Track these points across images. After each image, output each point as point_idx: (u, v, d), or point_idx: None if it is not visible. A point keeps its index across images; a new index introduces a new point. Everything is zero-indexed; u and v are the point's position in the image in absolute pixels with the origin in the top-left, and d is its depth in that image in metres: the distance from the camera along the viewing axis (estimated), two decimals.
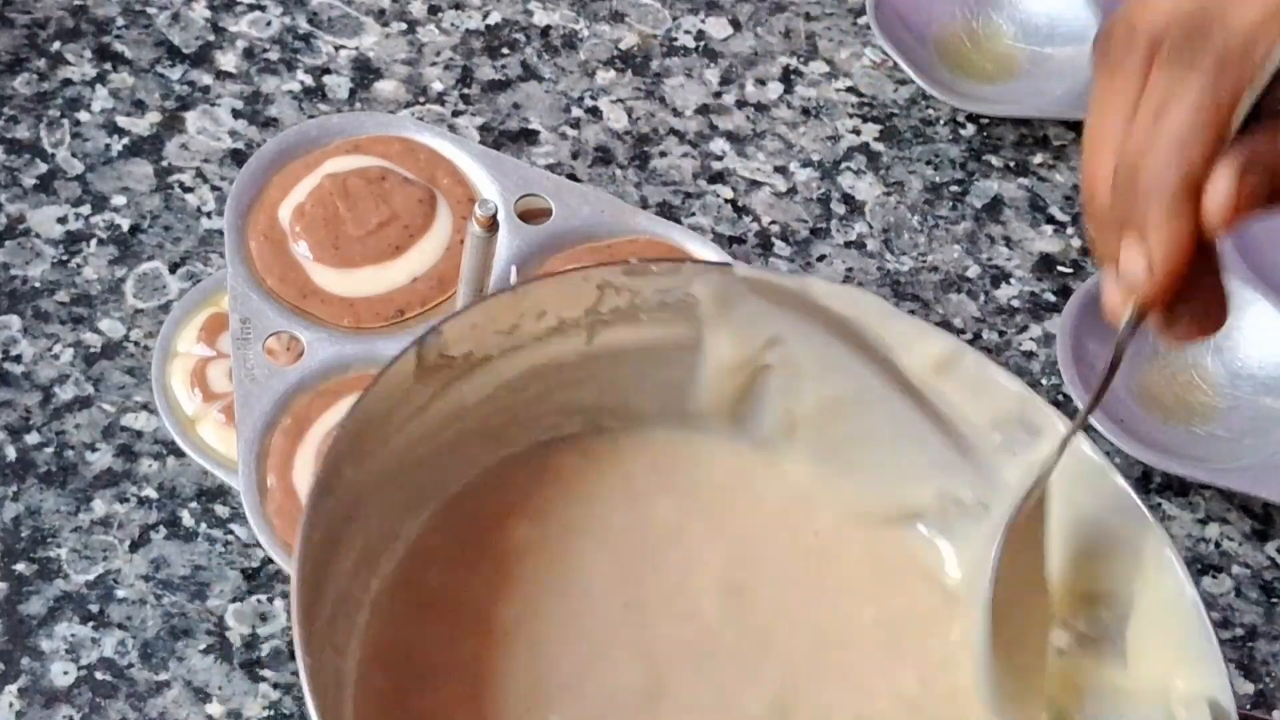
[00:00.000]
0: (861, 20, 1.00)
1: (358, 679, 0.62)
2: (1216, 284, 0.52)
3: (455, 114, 0.93)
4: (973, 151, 0.95)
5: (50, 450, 0.80)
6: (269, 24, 0.96)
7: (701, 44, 0.98)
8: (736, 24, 0.99)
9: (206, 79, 0.93)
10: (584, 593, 0.65)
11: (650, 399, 0.68)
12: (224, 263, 0.79)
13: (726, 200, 0.92)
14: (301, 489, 0.72)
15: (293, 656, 0.75)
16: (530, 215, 0.80)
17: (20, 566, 0.77)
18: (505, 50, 0.96)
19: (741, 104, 0.96)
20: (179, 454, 0.79)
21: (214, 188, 0.89)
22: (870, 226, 0.92)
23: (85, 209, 0.87)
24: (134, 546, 0.78)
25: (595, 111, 0.94)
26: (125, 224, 0.87)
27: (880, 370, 0.66)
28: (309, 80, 0.94)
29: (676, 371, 0.68)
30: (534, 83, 0.95)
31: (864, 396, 0.67)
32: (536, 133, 0.93)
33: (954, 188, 0.94)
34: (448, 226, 0.79)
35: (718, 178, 0.93)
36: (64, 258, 0.86)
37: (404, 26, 0.96)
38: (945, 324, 0.89)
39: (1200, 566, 0.83)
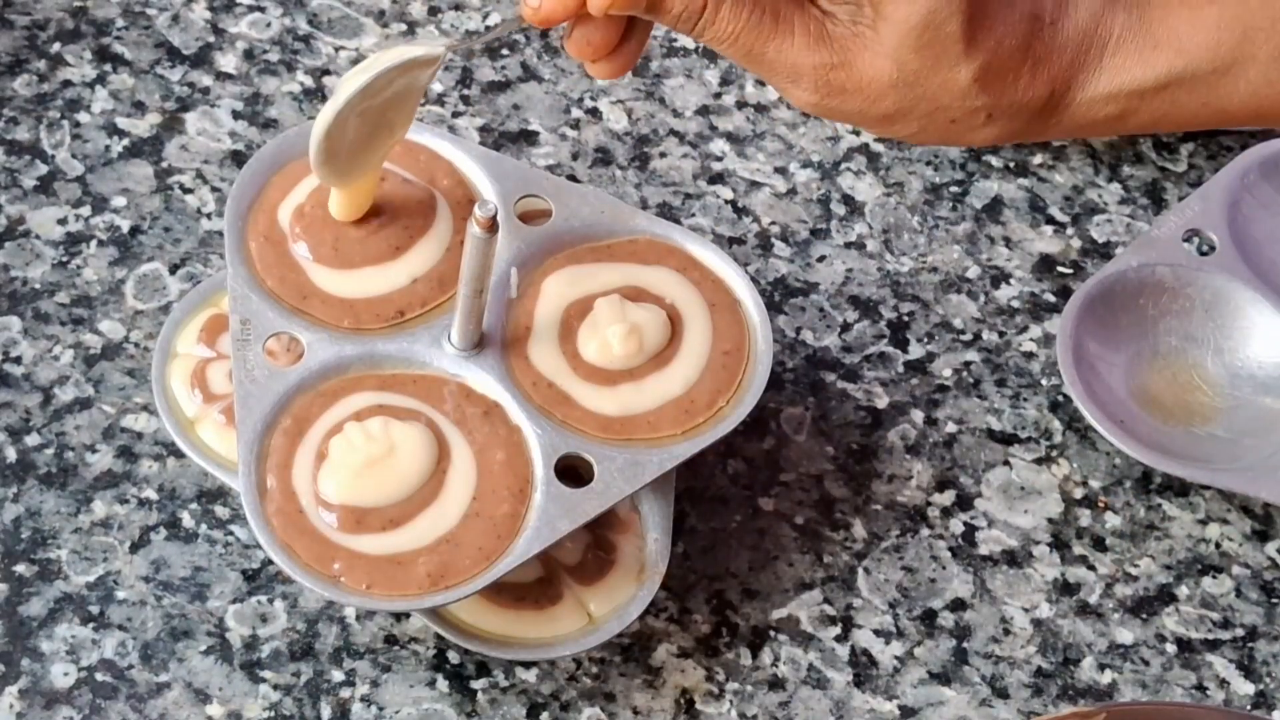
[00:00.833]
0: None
1: None
2: (633, 43, 0.67)
3: (455, 115, 0.93)
4: (972, 152, 0.95)
5: (50, 451, 0.80)
6: (269, 25, 0.96)
7: (701, 44, 0.98)
8: None
9: (206, 80, 0.93)
10: None
11: None
12: (224, 264, 0.79)
13: (726, 201, 0.92)
14: (301, 490, 0.72)
15: (293, 657, 0.76)
16: (530, 216, 0.80)
17: (20, 568, 0.77)
18: (505, 51, 0.96)
19: (741, 105, 0.96)
20: (179, 455, 0.79)
21: (214, 189, 0.89)
22: (870, 227, 0.92)
23: (85, 210, 0.87)
24: (134, 548, 0.78)
25: (595, 112, 0.94)
26: (125, 225, 0.87)
27: None
28: (309, 81, 0.94)
29: None
30: (534, 83, 0.95)
31: None
32: (536, 133, 0.93)
33: (954, 188, 0.94)
34: (448, 227, 0.79)
35: (718, 178, 0.93)
36: (64, 259, 0.86)
37: (404, 28, 0.96)
38: (945, 324, 0.89)
39: (1200, 567, 0.83)
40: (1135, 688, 0.79)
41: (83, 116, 0.91)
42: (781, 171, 0.93)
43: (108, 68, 0.93)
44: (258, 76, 0.93)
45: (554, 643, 0.75)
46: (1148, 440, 0.83)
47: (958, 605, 0.81)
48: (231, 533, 0.79)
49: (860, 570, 0.81)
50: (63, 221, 0.87)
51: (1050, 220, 0.93)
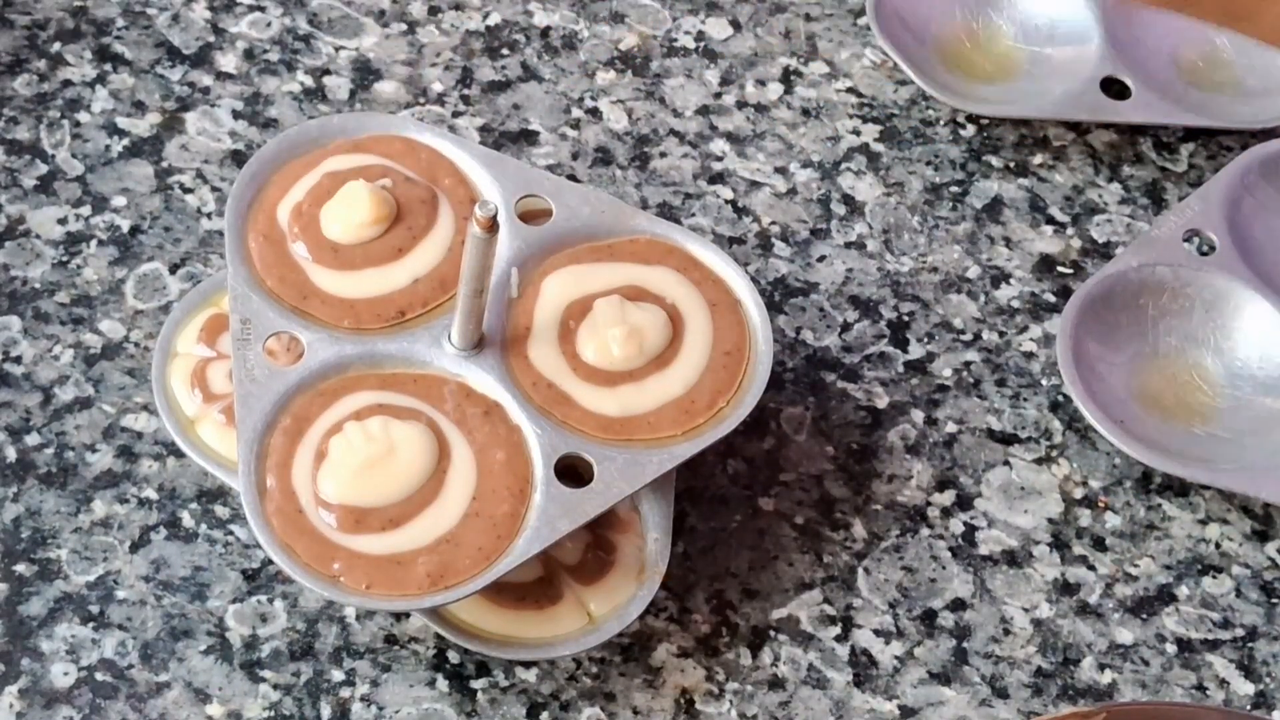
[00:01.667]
0: (861, 21, 1.00)
1: None
2: None
3: (455, 115, 0.93)
4: (973, 152, 0.95)
5: (50, 451, 0.80)
6: (269, 25, 0.96)
7: (701, 44, 0.98)
8: (736, 25, 0.99)
9: (206, 80, 0.93)
10: None
11: None
12: (224, 263, 0.79)
13: (726, 201, 0.92)
14: (301, 489, 0.72)
15: (293, 657, 0.76)
16: (530, 216, 0.80)
17: (20, 567, 0.77)
18: (505, 51, 0.96)
19: (741, 104, 0.96)
20: (179, 455, 0.79)
21: (214, 188, 0.89)
22: (870, 227, 0.92)
23: (85, 210, 0.87)
24: (134, 547, 0.78)
25: (595, 112, 0.94)
26: (125, 225, 0.87)
27: None
28: (309, 81, 0.94)
29: None
30: (534, 83, 0.95)
31: None
32: (536, 133, 0.93)
33: (954, 188, 0.94)
34: (449, 227, 0.79)
35: (718, 178, 0.93)
36: (64, 259, 0.86)
37: (404, 27, 0.96)
38: (945, 324, 0.89)
39: (1200, 567, 0.83)
40: (1135, 688, 0.79)
41: (83, 116, 0.91)
42: (781, 171, 0.93)
43: (108, 67, 0.93)
44: (258, 76, 0.93)
45: (554, 643, 0.75)
46: (1148, 440, 0.83)
47: (958, 605, 0.81)
48: (231, 532, 0.79)
49: (860, 570, 0.81)
50: (63, 221, 0.87)
51: (1050, 220, 0.93)
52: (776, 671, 0.78)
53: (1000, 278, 0.91)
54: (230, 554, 0.78)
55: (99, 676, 0.74)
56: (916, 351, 0.88)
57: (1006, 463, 0.85)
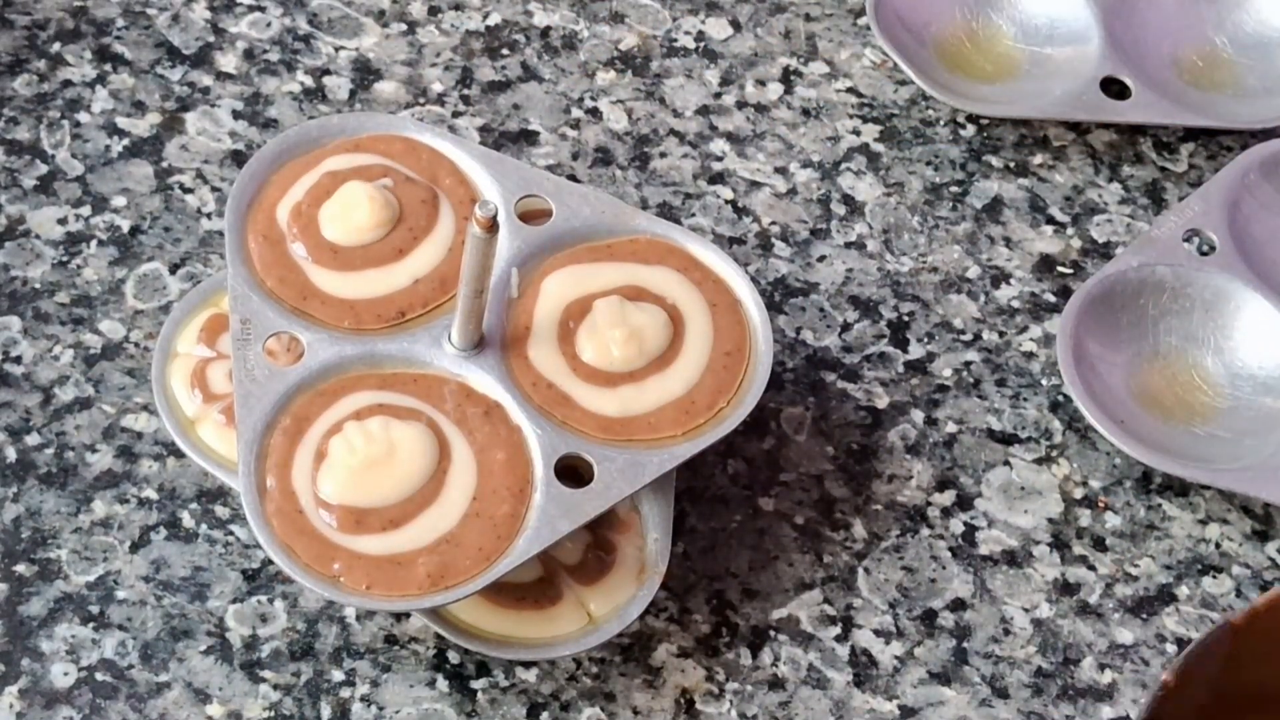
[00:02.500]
0: (861, 21, 1.00)
1: None
2: None
3: (455, 115, 0.93)
4: (973, 152, 0.95)
5: (50, 451, 0.80)
6: (269, 25, 0.96)
7: (701, 45, 0.98)
8: (736, 25, 0.99)
9: (206, 80, 0.93)
10: None
11: None
12: (224, 264, 0.79)
13: (726, 201, 0.92)
14: (300, 490, 0.72)
15: (293, 657, 0.76)
16: (530, 216, 0.80)
17: (20, 568, 0.77)
18: (505, 51, 0.96)
19: (741, 105, 0.96)
20: (179, 455, 0.79)
21: (214, 189, 0.89)
22: (870, 227, 0.92)
23: (85, 210, 0.87)
24: (134, 547, 0.78)
25: (595, 112, 0.94)
26: (125, 225, 0.87)
27: None
28: (309, 81, 0.94)
29: None
30: (534, 83, 0.95)
31: None
32: (536, 133, 0.93)
33: (954, 188, 0.94)
34: (450, 227, 0.79)
35: (718, 178, 0.93)
36: (64, 259, 0.86)
37: (404, 27, 0.96)
38: (945, 324, 0.89)
39: (1200, 567, 0.83)
40: (1135, 687, 0.79)
41: (83, 116, 0.91)
42: (781, 171, 0.93)
43: (108, 68, 0.93)
44: (258, 76, 0.93)
45: (554, 643, 0.75)
46: (1148, 440, 0.83)
47: (958, 605, 0.81)
48: (231, 533, 0.79)
49: (860, 570, 0.81)
50: (63, 221, 0.87)
51: (1050, 220, 0.93)
52: (776, 671, 0.78)
53: (1000, 278, 0.91)
54: (230, 554, 0.78)
55: (99, 676, 0.74)
56: (916, 351, 0.88)
57: (1006, 463, 0.85)
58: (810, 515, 0.82)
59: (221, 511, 0.79)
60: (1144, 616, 0.81)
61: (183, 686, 0.75)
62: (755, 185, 0.93)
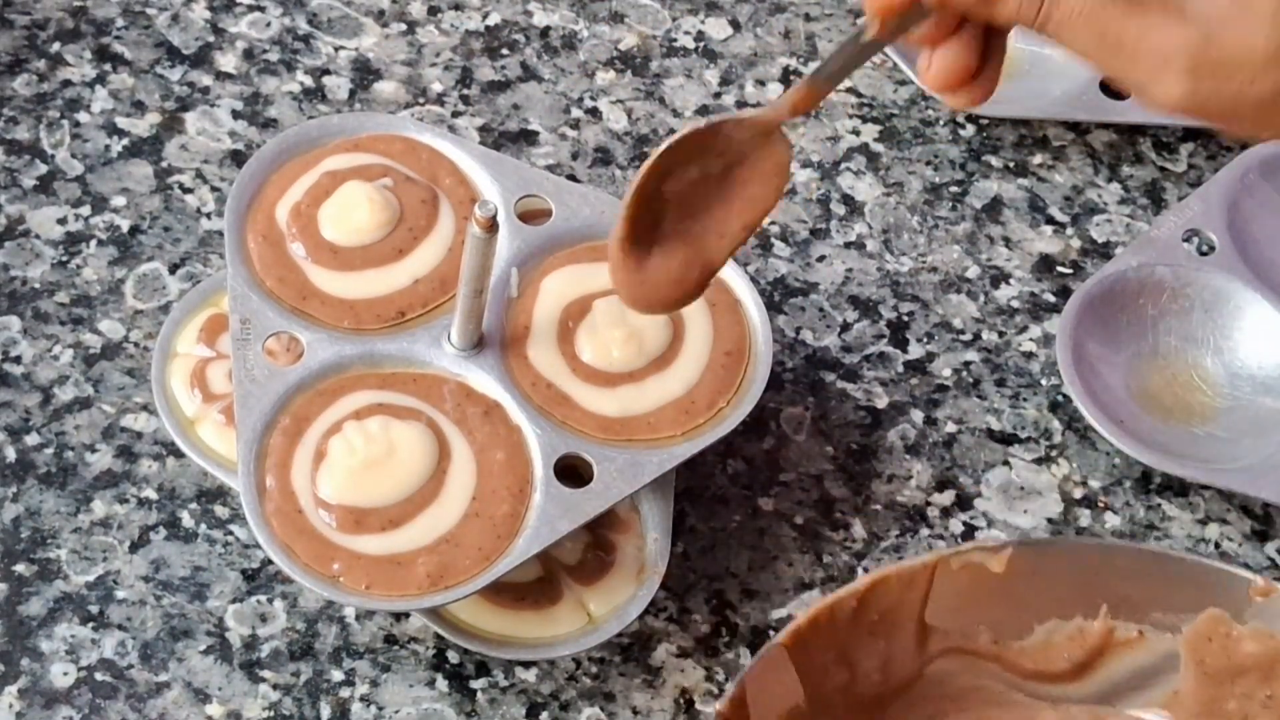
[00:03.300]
0: (861, 20, 0.99)
1: None
2: (990, 67, 0.63)
3: (455, 115, 0.93)
4: (972, 152, 0.95)
5: (50, 451, 0.80)
6: (269, 25, 0.96)
7: (701, 44, 0.98)
8: (736, 25, 0.99)
9: (206, 80, 0.93)
10: None
11: None
12: (224, 263, 0.79)
13: None
14: (300, 490, 0.72)
15: (293, 657, 0.76)
16: (530, 216, 0.80)
17: (20, 567, 0.77)
18: (505, 51, 0.96)
19: (741, 104, 0.96)
20: (179, 455, 0.79)
21: (214, 188, 0.89)
22: (870, 227, 0.92)
23: (85, 210, 0.87)
24: (134, 547, 0.78)
25: (595, 112, 0.94)
26: (125, 225, 0.87)
27: None
28: (309, 81, 0.94)
29: None
30: (534, 83, 0.95)
31: None
32: (536, 133, 0.93)
33: (954, 188, 0.94)
34: (450, 227, 0.79)
35: None
36: (64, 259, 0.86)
37: (403, 27, 0.96)
38: (945, 324, 0.89)
39: None
40: None
41: (83, 116, 0.91)
42: None
43: (108, 67, 0.93)
44: (258, 76, 0.93)
45: (554, 642, 0.75)
46: (1148, 440, 0.83)
47: None
48: (231, 532, 0.79)
49: (860, 570, 0.81)
50: (62, 221, 0.87)
51: (1050, 220, 0.93)
52: None
53: (1000, 278, 0.91)
54: (230, 554, 0.78)
55: (99, 676, 0.74)
56: (916, 351, 0.88)
57: (1006, 463, 0.85)
58: (810, 515, 0.82)
59: (221, 511, 0.79)
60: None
61: (182, 686, 0.75)
62: None
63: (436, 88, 0.94)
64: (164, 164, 0.90)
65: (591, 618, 0.76)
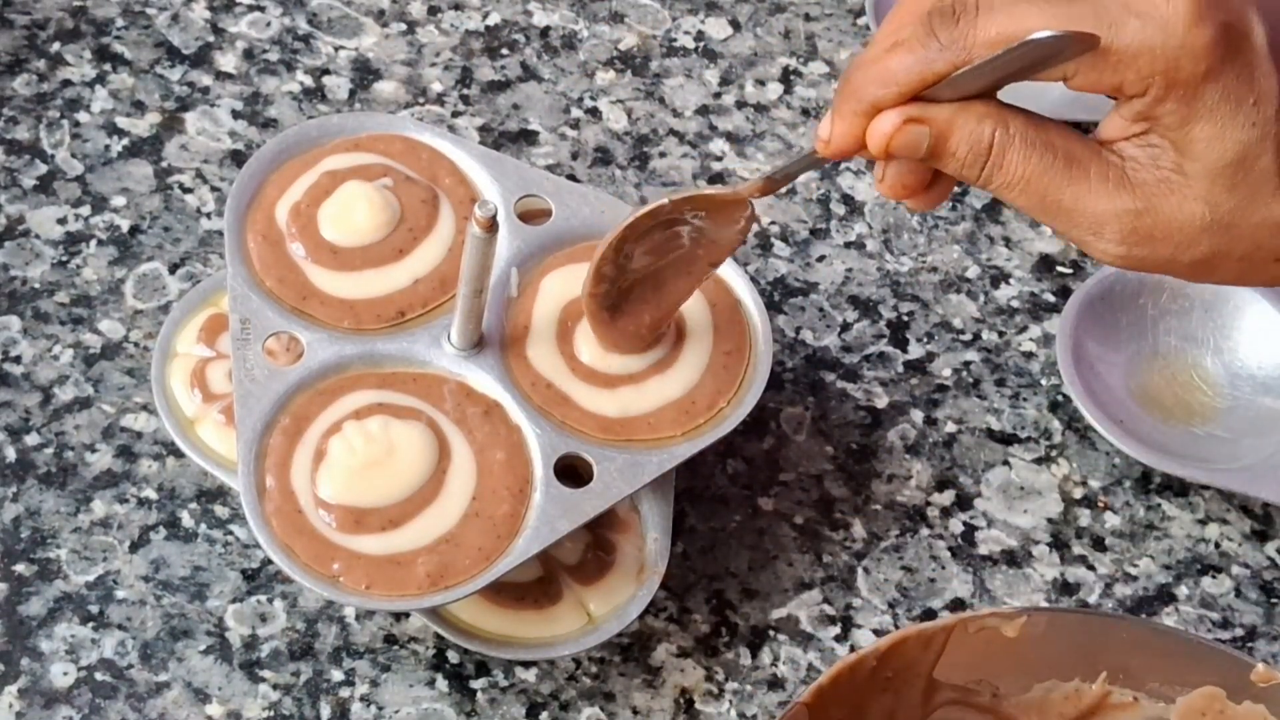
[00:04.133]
0: (861, 20, 1.00)
1: None
2: (943, 180, 0.64)
3: (455, 114, 0.93)
4: None
5: (50, 451, 0.80)
6: (269, 25, 0.96)
7: (701, 44, 0.98)
8: (736, 24, 0.99)
9: (206, 80, 0.93)
10: None
11: None
12: (224, 263, 0.79)
13: None
14: (300, 489, 0.72)
15: (293, 657, 0.76)
16: (530, 216, 0.80)
17: (20, 567, 0.77)
18: (505, 51, 0.96)
19: (741, 104, 0.96)
20: (179, 455, 0.79)
21: (214, 188, 0.89)
22: (870, 227, 0.92)
23: (85, 210, 0.87)
24: (134, 547, 0.78)
25: (595, 112, 0.94)
26: (125, 225, 0.87)
27: None
28: (309, 81, 0.94)
29: None
30: (534, 83, 0.95)
31: None
32: (536, 133, 0.93)
33: (954, 188, 0.94)
34: (450, 226, 0.79)
35: (717, 178, 0.93)
36: (64, 258, 0.86)
37: (403, 27, 0.96)
38: (945, 324, 0.89)
39: (1200, 567, 0.83)
40: None
41: (83, 116, 0.91)
42: None
43: (108, 67, 0.93)
44: (257, 76, 0.93)
45: (554, 642, 0.75)
46: (1148, 440, 0.83)
47: (957, 605, 0.81)
48: (231, 532, 0.79)
49: (860, 570, 0.81)
50: (62, 221, 0.87)
51: None
52: (776, 671, 0.78)
53: (1000, 278, 0.91)
54: (230, 554, 0.78)
55: (99, 676, 0.75)
56: (916, 351, 0.88)
57: (1006, 463, 0.85)
58: (810, 515, 0.82)
59: (221, 511, 0.79)
60: (1144, 616, 0.81)
61: (182, 686, 0.75)
62: None
63: (436, 88, 0.94)
64: (164, 164, 0.90)
65: (591, 618, 0.76)
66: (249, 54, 0.94)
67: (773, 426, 0.85)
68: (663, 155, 0.93)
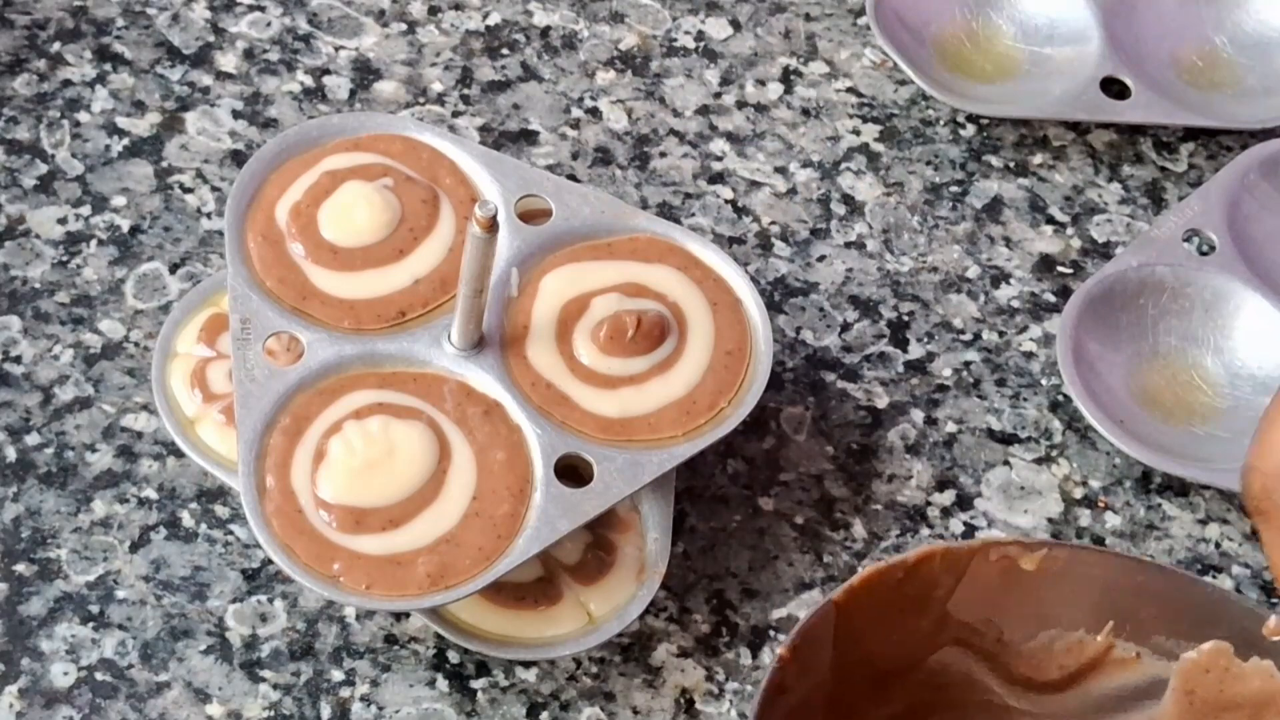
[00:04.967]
0: (861, 20, 1.00)
1: None
2: None
3: (455, 114, 0.93)
4: (972, 152, 0.95)
5: (50, 451, 0.80)
6: (269, 25, 0.96)
7: (701, 44, 0.98)
8: (736, 24, 0.99)
9: (206, 79, 0.93)
10: None
11: None
12: (224, 263, 0.79)
13: (726, 201, 0.92)
14: (300, 489, 0.72)
15: (293, 657, 0.76)
16: (530, 216, 0.80)
17: (20, 567, 0.77)
18: (505, 51, 0.96)
19: (741, 104, 0.96)
20: (179, 455, 0.79)
21: (214, 188, 0.89)
22: (870, 227, 0.92)
23: (85, 210, 0.87)
24: (134, 547, 0.78)
25: (595, 112, 0.94)
26: (125, 225, 0.87)
27: None
28: (309, 81, 0.94)
29: None
30: (534, 83, 0.95)
31: None
32: (536, 133, 0.93)
33: (954, 188, 0.94)
34: (450, 226, 0.79)
35: (718, 178, 0.93)
36: (64, 258, 0.86)
37: (404, 27, 0.96)
38: (945, 324, 0.89)
39: (1200, 567, 0.83)
40: None
41: (83, 116, 0.91)
42: (781, 171, 0.93)
43: (108, 67, 0.93)
44: (258, 76, 0.93)
45: (554, 642, 0.75)
46: (1148, 440, 0.83)
47: None
48: (231, 532, 0.79)
49: (860, 570, 0.81)
50: (63, 221, 0.87)
51: (1050, 220, 0.93)
52: None
53: (1000, 277, 0.91)
54: (230, 554, 0.78)
55: (99, 676, 0.74)
56: (916, 351, 0.88)
57: (1006, 463, 0.85)
58: (810, 515, 0.82)
59: (221, 511, 0.79)
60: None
61: (182, 686, 0.75)
62: (755, 185, 0.93)
63: (437, 87, 0.94)
64: (164, 164, 0.90)
65: (591, 618, 0.76)
66: (249, 54, 0.94)
67: (773, 426, 0.85)
68: (663, 155, 0.93)
